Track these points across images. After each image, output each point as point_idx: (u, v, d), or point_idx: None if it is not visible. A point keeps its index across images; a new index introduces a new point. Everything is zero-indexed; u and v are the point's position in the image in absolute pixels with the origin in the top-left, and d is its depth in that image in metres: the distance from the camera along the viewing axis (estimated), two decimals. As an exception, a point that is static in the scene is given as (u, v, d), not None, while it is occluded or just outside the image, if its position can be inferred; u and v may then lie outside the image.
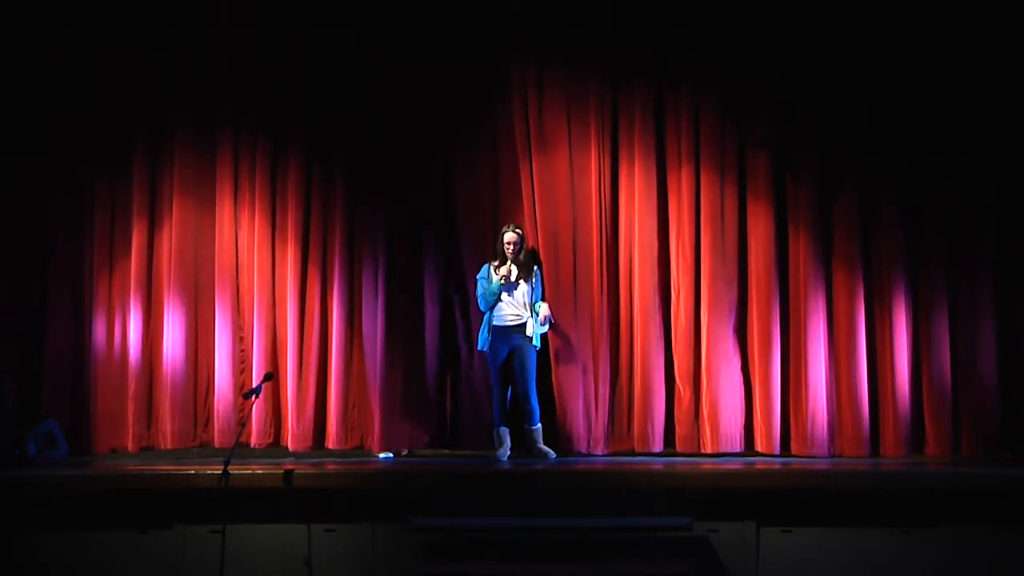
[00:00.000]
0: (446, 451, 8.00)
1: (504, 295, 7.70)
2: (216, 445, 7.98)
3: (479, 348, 7.74)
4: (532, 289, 7.76)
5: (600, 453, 7.84)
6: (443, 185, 8.20)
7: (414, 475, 7.09)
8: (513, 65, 8.16)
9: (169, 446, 8.03)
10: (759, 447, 7.78)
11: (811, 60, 7.90)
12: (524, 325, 7.67)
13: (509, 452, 7.64)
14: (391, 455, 7.92)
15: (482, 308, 7.73)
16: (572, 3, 8.08)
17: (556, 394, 7.92)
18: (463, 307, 8.11)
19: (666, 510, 6.50)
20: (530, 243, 8.01)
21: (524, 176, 8.09)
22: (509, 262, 7.70)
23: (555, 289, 7.97)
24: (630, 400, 7.94)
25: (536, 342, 7.67)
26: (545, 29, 8.12)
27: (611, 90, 8.10)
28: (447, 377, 8.09)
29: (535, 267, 7.84)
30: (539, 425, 7.65)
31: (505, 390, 7.68)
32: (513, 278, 7.69)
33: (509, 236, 7.75)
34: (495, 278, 7.69)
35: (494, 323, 7.67)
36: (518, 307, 7.70)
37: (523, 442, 7.70)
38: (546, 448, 7.64)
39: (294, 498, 6.61)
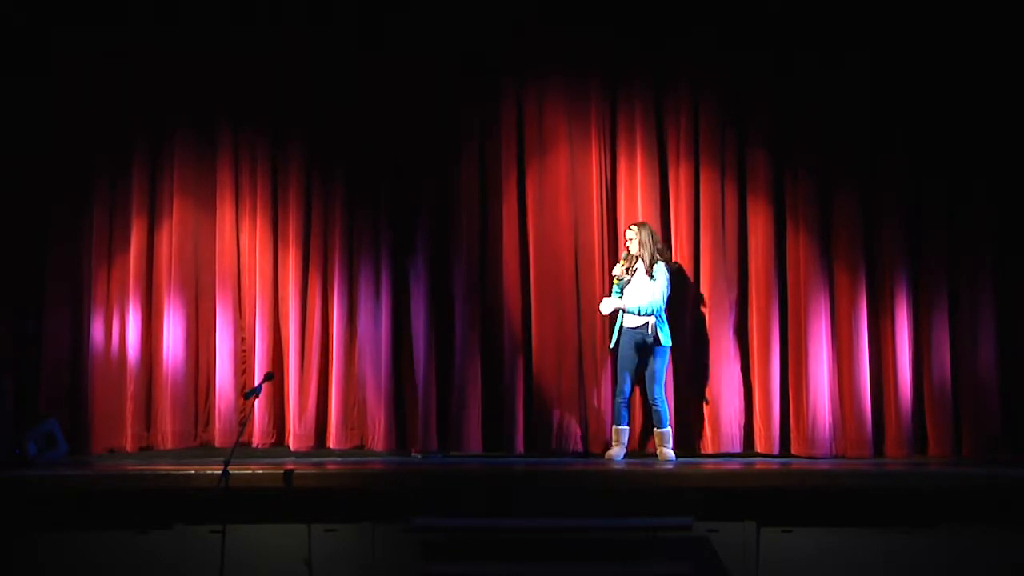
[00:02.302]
0: (451, 452, 7.99)
1: (627, 295, 7.53)
2: (217, 445, 7.97)
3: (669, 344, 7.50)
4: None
5: (600, 453, 7.83)
6: (442, 185, 8.18)
7: (414, 475, 7.08)
8: (512, 65, 8.17)
9: (169, 446, 8.02)
10: (759, 447, 7.78)
11: (811, 59, 7.91)
12: (646, 324, 7.47)
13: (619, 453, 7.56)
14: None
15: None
16: (572, 2, 8.08)
17: (558, 394, 7.93)
18: (455, 307, 8.07)
19: (666, 510, 6.49)
20: (507, 243, 8.05)
21: (516, 176, 8.11)
22: (621, 262, 7.55)
23: (556, 289, 7.98)
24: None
25: (663, 341, 7.49)
26: (544, 28, 8.12)
27: (610, 89, 8.12)
28: (442, 378, 8.06)
29: (656, 266, 7.53)
30: (665, 428, 7.51)
31: (625, 388, 7.55)
32: (607, 309, 7.56)
33: (627, 234, 7.61)
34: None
35: (622, 324, 7.56)
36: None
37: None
38: (667, 450, 7.48)
39: (294, 498, 6.61)
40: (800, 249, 7.85)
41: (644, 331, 7.44)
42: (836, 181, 7.86)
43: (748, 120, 7.96)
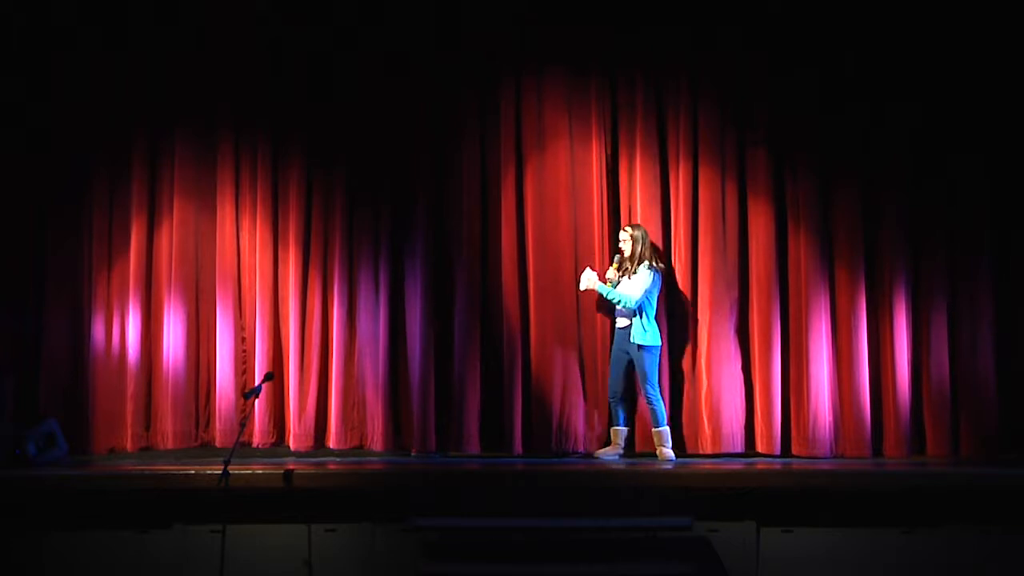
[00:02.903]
0: (450, 452, 7.98)
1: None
2: (217, 445, 7.97)
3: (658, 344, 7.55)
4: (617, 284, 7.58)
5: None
6: (441, 184, 8.17)
7: (414, 475, 7.08)
8: (512, 64, 8.17)
9: (169, 446, 8.01)
10: (760, 447, 7.78)
11: (811, 59, 7.92)
12: (630, 326, 7.51)
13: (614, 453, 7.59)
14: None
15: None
16: (572, 1, 8.08)
17: (558, 394, 7.92)
18: (454, 306, 8.06)
19: (666, 510, 6.50)
20: (506, 243, 8.03)
21: (516, 175, 8.11)
22: (614, 265, 7.63)
23: (555, 288, 7.98)
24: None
25: (645, 340, 7.45)
26: (544, 28, 8.12)
27: (610, 88, 8.12)
28: (441, 378, 8.04)
29: (641, 265, 7.56)
30: (663, 427, 7.50)
31: (615, 389, 7.64)
32: (583, 283, 7.61)
33: (620, 235, 7.68)
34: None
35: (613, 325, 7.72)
36: (623, 309, 7.59)
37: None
38: (666, 450, 7.47)
39: (294, 498, 6.61)
40: (801, 249, 7.85)
41: (629, 331, 7.49)
42: (836, 180, 7.86)
43: (748, 120, 7.96)
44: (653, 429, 7.52)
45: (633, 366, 7.55)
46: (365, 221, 8.17)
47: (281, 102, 8.20)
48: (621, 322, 7.61)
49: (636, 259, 7.56)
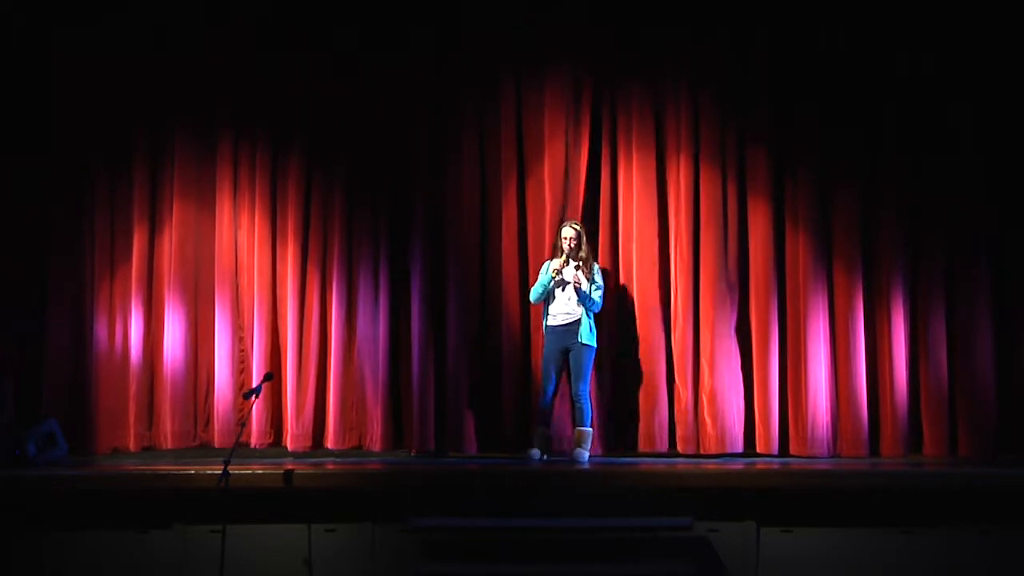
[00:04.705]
0: (450, 452, 7.98)
1: (558, 293, 7.55)
2: (216, 445, 7.98)
3: (595, 346, 7.53)
4: (591, 284, 7.52)
5: (600, 454, 7.83)
6: (441, 183, 8.16)
7: (414, 475, 7.09)
8: (512, 64, 8.18)
9: (170, 446, 8.03)
10: (759, 447, 7.78)
11: (810, 58, 7.92)
12: (578, 323, 7.48)
13: (539, 453, 7.51)
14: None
15: (532, 300, 7.68)
16: (571, 1, 8.09)
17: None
18: (453, 306, 8.05)
19: (666, 510, 6.50)
20: (506, 243, 8.05)
21: (516, 174, 8.11)
22: (562, 259, 7.52)
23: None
24: (630, 401, 7.94)
25: (592, 341, 7.46)
26: (544, 27, 8.12)
27: (611, 88, 8.12)
28: (441, 378, 8.04)
29: (593, 262, 7.62)
30: (589, 428, 7.46)
31: (550, 388, 7.56)
32: (568, 276, 7.50)
33: (565, 232, 7.59)
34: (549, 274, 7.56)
35: (546, 323, 7.61)
36: (571, 305, 7.52)
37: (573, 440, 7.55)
38: (583, 451, 7.39)
39: (294, 498, 6.61)
40: (799, 249, 7.86)
41: (570, 328, 7.44)
42: (836, 180, 7.87)
43: (748, 120, 7.97)
44: (578, 428, 7.45)
45: (568, 363, 7.49)
46: (364, 221, 8.17)
47: (281, 102, 8.20)
48: (559, 319, 7.51)
49: (585, 254, 7.55)
